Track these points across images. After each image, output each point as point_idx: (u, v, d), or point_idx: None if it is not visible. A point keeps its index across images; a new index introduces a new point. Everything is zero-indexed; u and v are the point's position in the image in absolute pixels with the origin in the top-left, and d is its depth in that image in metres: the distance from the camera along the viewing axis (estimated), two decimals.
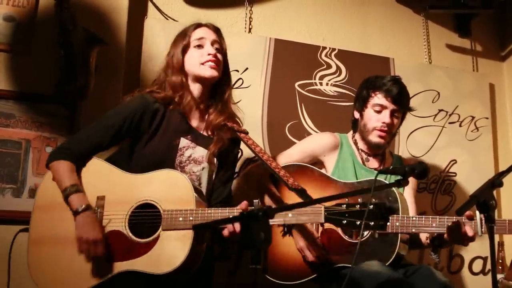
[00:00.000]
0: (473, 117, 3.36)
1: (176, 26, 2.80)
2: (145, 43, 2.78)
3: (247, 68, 2.91)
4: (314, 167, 2.35)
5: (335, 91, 3.10)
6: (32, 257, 1.87)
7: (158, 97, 2.03)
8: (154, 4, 2.89)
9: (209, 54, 2.04)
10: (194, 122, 2.09)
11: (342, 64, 3.13)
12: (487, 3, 3.34)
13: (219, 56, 2.08)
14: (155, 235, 1.84)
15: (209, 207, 1.97)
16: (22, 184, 2.41)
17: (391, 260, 2.06)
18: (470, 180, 3.22)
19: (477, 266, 3.18)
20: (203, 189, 2.05)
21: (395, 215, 2.13)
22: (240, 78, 2.87)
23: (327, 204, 1.94)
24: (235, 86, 2.71)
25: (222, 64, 2.10)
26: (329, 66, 3.11)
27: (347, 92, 3.06)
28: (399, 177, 1.68)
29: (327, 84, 3.10)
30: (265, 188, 2.25)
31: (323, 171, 2.37)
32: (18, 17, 2.51)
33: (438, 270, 2.16)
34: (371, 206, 1.62)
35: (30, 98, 2.48)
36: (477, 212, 1.97)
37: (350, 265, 2.02)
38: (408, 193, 2.42)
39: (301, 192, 1.91)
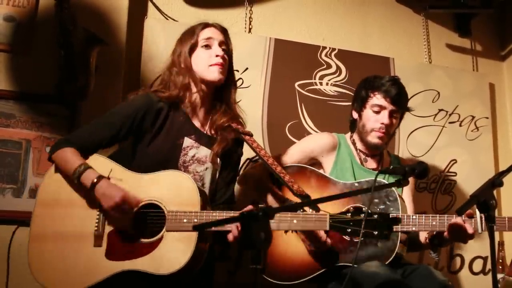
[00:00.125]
0: (473, 117, 3.36)
1: (176, 26, 2.82)
2: (145, 43, 2.78)
3: (247, 68, 2.92)
4: (314, 168, 2.35)
5: (335, 91, 3.10)
6: (33, 253, 1.85)
7: (162, 96, 2.01)
8: (154, 4, 2.89)
9: (217, 56, 2.02)
10: (198, 122, 2.08)
11: (342, 64, 3.13)
12: (487, 3, 3.34)
13: (226, 57, 2.06)
14: (159, 236, 1.83)
15: (212, 207, 1.96)
16: (22, 184, 2.41)
17: (390, 259, 2.06)
18: (470, 180, 3.22)
19: (477, 266, 3.18)
20: (206, 189, 2.05)
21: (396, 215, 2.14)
22: (240, 78, 2.87)
23: (331, 210, 1.96)
24: None
25: (227, 65, 2.09)
26: (329, 66, 3.12)
27: (347, 92, 3.06)
28: (398, 177, 1.68)
29: (327, 84, 3.10)
30: (266, 188, 2.25)
31: (321, 171, 2.36)
32: (18, 17, 2.51)
33: (437, 270, 2.16)
34: (375, 216, 1.67)
35: (30, 98, 2.48)
36: (477, 210, 1.97)
37: (350, 264, 2.02)
38: (406, 193, 2.43)
39: (306, 199, 1.92)
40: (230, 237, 1.85)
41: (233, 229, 1.83)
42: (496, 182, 1.63)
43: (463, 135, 3.33)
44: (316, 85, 3.08)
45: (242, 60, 2.86)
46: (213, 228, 1.84)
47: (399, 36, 3.41)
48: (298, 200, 1.98)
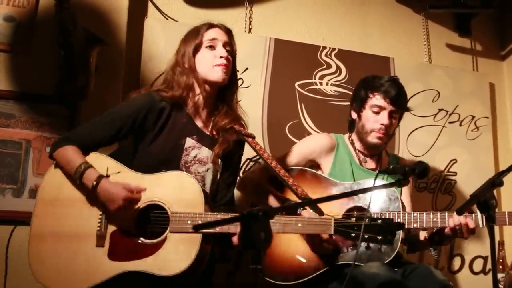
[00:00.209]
0: (473, 117, 3.36)
1: (176, 26, 2.82)
2: (145, 43, 2.78)
3: (247, 68, 2.92)
4: (313, 170, 2.34)
5: (335, 90, 3.10)
6: (34, 253, 1.83)
7: (165, 96, 2.00)
8: (154, 4, 2.89)
9: (221, 57, 2.01)
10: (200, 123, 2.08)
11: (342, 63, 3.13)
12: (487, 2, 3.35)
13: (230, 58, 2.06)
14: (163, 237, 1.82)
15: (212, 208, 1.96)
16: (22, 185, 2.41)
17: (391, 258, 2.06)
18: (470, 180, 3.23)
19: (478, 265, 3.18)
20: (207, 190, 2.04)
21: (396, 213, 2.14)
22: (240, 78, 2.87)
23: (331, 211, 1.96)
24: None
25: (230, 66, 2.08)
26: (329, 66, 3.12)
27: (347, 91, 3.06)
28: (397, 177, 1.69)
29: (327, 84, 3.10)
30: (265, 191, 2.25)
31: (319, 173, 2.36)
32: (18, 17, 2.51)
33: (437, 269, 2.16)
34: (379, 221, 1.70)
35: (30, 98, 2.48)
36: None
37: (351, 263, 2.02)
38: (405, 193, 2.43)
39: (312, 202, 1.94)
40: (235, 239, 1.84)
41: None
42: (496, 181, 1.63)
43: (463, 135, 3.33)
44: (316, 85, 3.08)
45: (242, 60, 2.83)
46: (217, 230, 1.82)
47: (399, 36, 3.41)
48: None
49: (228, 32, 2.11)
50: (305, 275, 2.12)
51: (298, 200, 2.02)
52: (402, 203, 2.22)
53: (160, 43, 2.78)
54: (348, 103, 2.58)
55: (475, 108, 3.38)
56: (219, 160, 2.08)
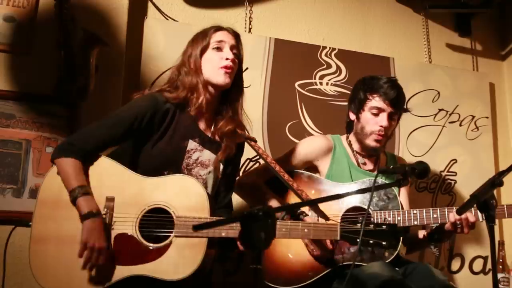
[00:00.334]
0: (473, 117, 3.36)
1: (176, 26, 2.82)
2: (145, 43, 2.78)
3: (247, 68, 2.87)
4: (310, 173, 2.34)
5: (335, 90, 3.10)
6: (35, 256, 1.80)
7: (169, 97, 1.99)
8: (154, 4, 2.89)
9: (227, 59, 2.00)
10: (202, 125, 2.07)
11: (342, 63, 3.13)
12: (487, 2, 3.34)
13: (236, 61, 2.05)
14: (167, 241, 1.82)
15: (212, 212, 1.95)
16: (22, 185, 2.41)
17: (392, 257, 2.07)
18: (470, 180, 3.23)
19: (478, 265, 3.18)
20: (209, 192, 2.04)
21: (396, 211, 2.15)
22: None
23: (331, 212, 1.96)
24: None
25: (236, 70, 2.07)
26: (329, 66, 3.12)
27: (347, 91, 3.04)
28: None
29: (327, 84, 3.10)
30: (261, 192, 2.24)
31: (317, 175, 2.36)
32: (18, 18, 2.51)
33: (437, 268, 2.17)
34: (384, 227, 1.73)
35: (30, 99, 2.48)
36: None
37: (351, 263, 2.02)
38: (402, 192, 2.43)
39: (316, 206, 1.94)
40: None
41: None
42: (496, 181, 1.63)
43: (463, 134, 3.33)
44: (316, 85, 3.08)
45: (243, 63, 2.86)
46: (223, 235, 1.81)
47: (399, 35, 3.41)
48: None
49: (236, 36, 2.11)
50: (307, 278, 2.12)
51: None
52: (400, 201, 2.22)
53: (160, 43, 2.78)
54: None
55: (475, 108, 3.38)
56: (220, 164, 2.08)
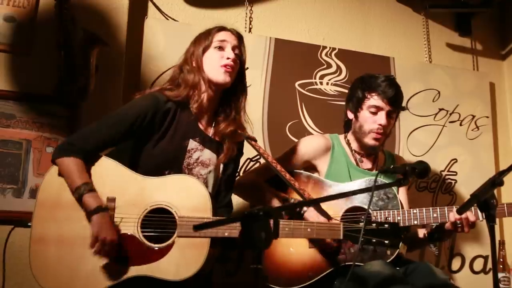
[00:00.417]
0: (473, 116, 3.36)
1: (176, 26, 2.82)
2: (145, 43, 2.78)
3: (247, 68, 2.85)
4: (309, 173, 2.34)
5: (335, 90, 3.10)
6: (35, 257, 1.79)
7: (170, 95, 1.99)
8: (154, 4, 2.89)
9: (228, 58, 2.01)
10: (203, 125, 2.07)
11: (342, 63, 3.13)
12: (487, 2, 3.34)
13: (237, 61, 2.06)
14: (170, 241, 1.81)
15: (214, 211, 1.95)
16: (23, 185, 2.41)
17: (393, 257, 2.07)
18: (470, 179, 3.23)
19: (478, 265, 3.18)
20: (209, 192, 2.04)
21: (396, 211, 2.15)
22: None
23: (330, 212, 1.97)
24: None
25: (237, 70, 2.08)
26: (329, 66, 3.12)
27: (347, 91, 3.05)
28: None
29: (327, 84, 3.10)
30: (261, 190, 2.24)
31: (316, 175, 2.35)
32: (19, 18, 2.51)
33: (438, 268, 2.17)
34: (386, 226, 1.76)
35: (30, 99, 2.48)
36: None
37: (351, 263, 2.02)
38: (401, 190, 2.43)
39: (318, 205, 1.95)
40: None
41: None
42: (496, 181, 1.63)
43: (464, 134, 3.33)
44: (317, 84, 3.08)
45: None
46: (226, 235, 1.81)
47: (399, 35, 3.41)
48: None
49: (239, 37, 2.12)
50: (308, 278, 2.11)
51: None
52: (400, 200, 2.22)
53: (160, 43, 2.78)
54: None
55: (475, 107, 3.38)
56: (221, 164, 2.09)
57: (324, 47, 3.12)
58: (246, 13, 3.07)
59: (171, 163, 1.96)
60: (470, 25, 3.52)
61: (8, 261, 2.28)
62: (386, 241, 1.73)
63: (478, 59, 3.57)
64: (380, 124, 2.30)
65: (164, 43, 2.77)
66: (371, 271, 1.93)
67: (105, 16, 2.66)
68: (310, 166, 2.40)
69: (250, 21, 3.08)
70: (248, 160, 2.82)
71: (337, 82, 3.11)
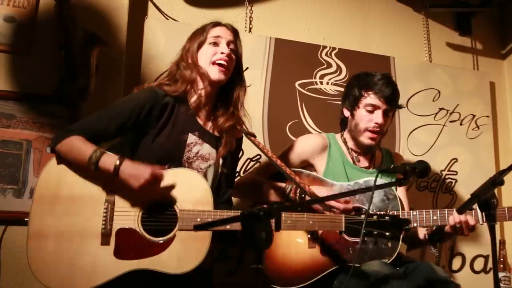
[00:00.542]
0: (473, 116, 3.36)
1: (176, 26, 2.82)
2: (145, 43, 2.78)
3: (247, 68, 2.86)
4: (309, 172, 2.34)
5: (335, 90, 3.10)
6: (33, 252, 1.77)
7: (167, 90, 2.00)
8: (154, 4, 2.89)
9: (222, 53, 2.02)
10: (201, 119, 2.08)
11: (342, 63, 3.13)
12: (487, 1, 3.35)
13: (232, 57, 2.06)
14: (171, 235, 1.82)
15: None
16: (23, 185, 2.41)
17: (393, 257, 2.07)
18: (471, 179, 3.23)
19: (479, 264, 3.18)
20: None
21: (396, 212, 2.15)
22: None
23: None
24: None
25: (233, 65, 2.08)
26: (329, 65, 3.12)
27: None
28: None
29: (327, 83, 3.10)
30: (263, 187, 2.24)
31: (314, 173, 2.35)
32: (19, 18, 2.51)
33: (438, 266, 2.16)
34: (387, 218, 1.78)
35: (31, 99, 2.48)
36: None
37: (351, 264, 2.02)
38: (400, 189, 2.43)
39: (320, 199, 1.96)
40: None
41: None
42: (497, 180, 1.63)
43: (464, 133, 3.33)
44: (317, 84, 3.08)
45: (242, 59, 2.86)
46: (228, 228, 1.80)
47: (399, 35, 3.41)
48: None
49: (234, 32, 2.12)
50: (308, 278, 2.11)
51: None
52: (400, 200, 2.22)
53: (160, 43, 2.78)
54: None
55: (475, 107, 3.38)
56: (221, 160, 2.09)
57: (324, 47, 3.12)
58: (246, 13, 3.07)
59: (171, 157, 1.96)
60: (470, 25, 3.52)
61: (8, 261, 2.29)
62: (387, 233, 1.75)
63: (478, 59, 3.57)
64: (376, 123, 2.30)
65: (164, 43, 2.77)
66: (370, 271, 1.93)
67: (105, 16, 2.66)
68: (308, 165, 2.40)
69: (250, 21, 3.08)
70: (249, 160, 2.82)
71: (337, 82, 3.11)
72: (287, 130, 2.96)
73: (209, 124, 2.10)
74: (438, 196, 3.20)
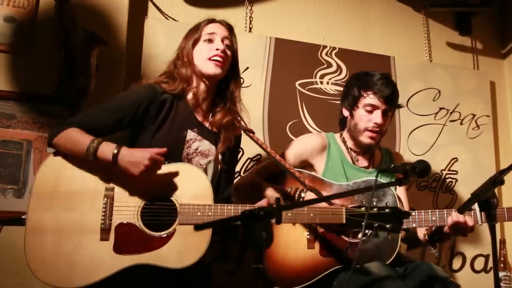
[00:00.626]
0: (474, 115, 3.36)
1: (176, 26, 2.82)
2: (145, 43, 2.78)
3: (247, 68, 2.91)
4: (309, 171, 2.33)
5: (335, 89, 3.10)
6: (31, 248, 1.75)
7: (166, 88, 2.01)
8: (154, 4, 2.89)
9: (217, 49, 2.03)
10: (200, 116, 2.09)
11: (343, 62, 3.13)
12: (487, 1, 3.35)
13: (228, 52, 2.07)
14: (171, 229, 1.81)
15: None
16: (23, 185, 2.41)
17: (393, 258, 2.07)
18: (471, 178, 3.23)
19: (479, 264, 3.18)
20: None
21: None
22: (241, 78, 2.86)
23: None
24: None
25: (229, 61, 2.09)
26: (329, 65, 3.12)
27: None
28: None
29: (327, 83, 3.10)
30: (262, 186, 2.24)
31: (313, 173, 2.35)
32: (19, 18, 2.51)
33: (439, 266, 2.16)
34: (387, 210, 1.79)
35: (31, 99, 2.48)
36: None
37: (351, 265, 2.02)
38: (400, 188, 2.42)
39: (319, 193, 1.96)
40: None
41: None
42: (497, 180, 1.63)
43: (464, 133, 3.33)
44: (317, 84, 3.08)
45: (242, 59, 2.79)
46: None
47: (399, 34, 3.41)
48: None
49: (229, 27, 2.13)
50: (308, 279, 2.10)
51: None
52: (400, 199, 2.22)
53: (160, 43, 2.78)
54: None
55: (475, 106, 3.38)
56: (220, 156, 2.10)
57: (324, 47, 3.12)
58: (246, 13, 3.07)
59: (170, 153, 1.94)
60: (470, 24, 3.52)
61: (8, 261, 2.29)
62: (387, 225, 1.75)
63: (479, 58, 3.57)
64: (375, 123, 2.29)
65: (164, 43, 2.77)
66: (370, 271, 1.93)
67: (105, 16, 2.66)
68: (308, 165, 2.40)
69: (250, 21, 3.08)
70: (249, 160, 2.82)
71: (338, 82, 3.11)
72: (287, 130, 2.96)
73: (208, 120, 2.11)
74: (438, 196, 3.20)
